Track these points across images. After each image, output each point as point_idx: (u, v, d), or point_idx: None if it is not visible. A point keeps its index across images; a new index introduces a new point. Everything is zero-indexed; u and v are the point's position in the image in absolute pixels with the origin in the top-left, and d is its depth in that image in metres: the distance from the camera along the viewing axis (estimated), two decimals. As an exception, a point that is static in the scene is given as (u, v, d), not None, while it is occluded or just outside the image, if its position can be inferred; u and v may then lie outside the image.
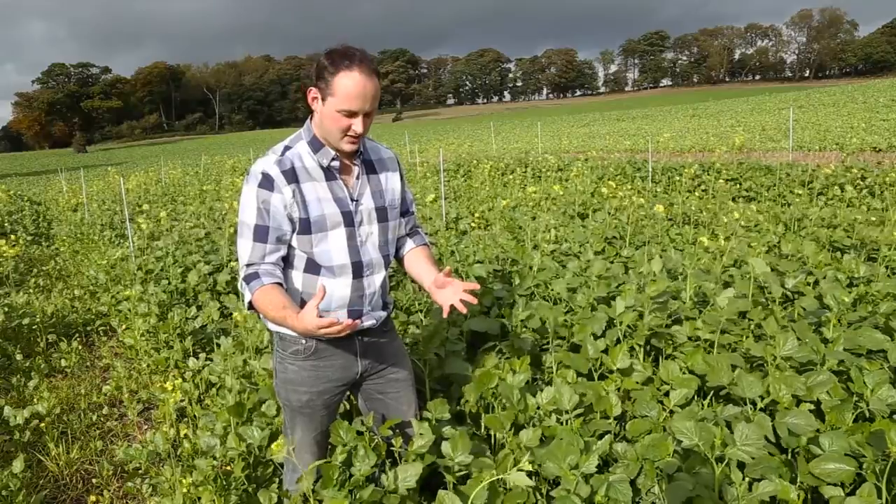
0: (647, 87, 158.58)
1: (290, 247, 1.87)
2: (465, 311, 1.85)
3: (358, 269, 1.92)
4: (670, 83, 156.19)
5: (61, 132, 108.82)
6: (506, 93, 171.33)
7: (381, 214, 1.97)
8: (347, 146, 1.81)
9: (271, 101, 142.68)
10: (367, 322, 1.96)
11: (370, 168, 1.97)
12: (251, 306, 1.80)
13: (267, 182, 1.78)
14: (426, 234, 2.24)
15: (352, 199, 1.89)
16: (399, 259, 2.18)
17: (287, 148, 1.86)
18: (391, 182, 2.02)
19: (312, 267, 1.89)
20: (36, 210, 14.39)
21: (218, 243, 5.91)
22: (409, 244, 2.16)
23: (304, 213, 1.81)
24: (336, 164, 1.86)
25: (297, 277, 1.91)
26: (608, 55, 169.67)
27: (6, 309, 5.06)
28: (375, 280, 1.98)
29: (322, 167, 1.85)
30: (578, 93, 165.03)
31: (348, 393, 2.21)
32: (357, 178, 1.91)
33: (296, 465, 2.06)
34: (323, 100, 1.76)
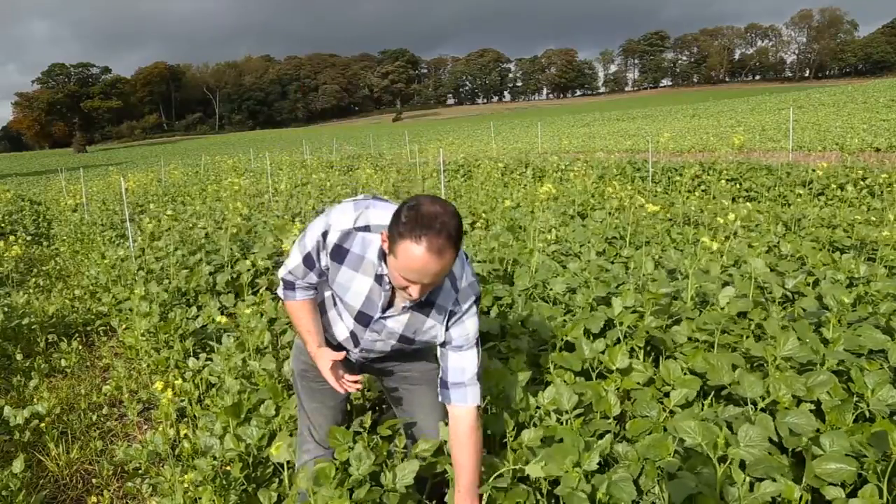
0: (647, 87, 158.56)
1: None
2: None
3: (356, 342, 1.99)
4: (670, 83, 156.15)
5: (61, 132, 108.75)
6: (506, 93, 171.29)
7: (404, 340, 1.90)
8: (404, 299, 1.72)
9: (271, 102, 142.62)
10: (353, 357, 2.05)
11: (425, 307, 1.81)
12: (282, 303, 2.00)
13: (324, 239, 1.77)
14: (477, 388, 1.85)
15: (382, 312, 1.81)
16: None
17: (366, 228, 1.73)
18: (434, 329, 1.84)
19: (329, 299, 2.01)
20: (36, 210, 14.40)
21: (218, 243, 5.91)
22: (450, 400, 1.85)
23: (330, 283, 1.86)
24: (389, 286, 1.75)
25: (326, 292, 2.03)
26: (608, 55, 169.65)
27: (6, 309, 5.06)
28: (372, 356, 2.04)
29: (377, 273, 1.75)
30: (578, 93, 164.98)
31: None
32: (403, 307, 1.79)
33: (304, 441, 2.20)
34: (389, 251, 1.60)
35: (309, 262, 1.84)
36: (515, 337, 2.93)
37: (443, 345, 1.86)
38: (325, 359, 1.87)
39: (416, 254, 1.51)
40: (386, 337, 1.90)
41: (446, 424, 1.92)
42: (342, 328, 1.98)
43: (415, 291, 1.61)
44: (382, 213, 1.72)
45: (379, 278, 1.76)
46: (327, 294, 1.98)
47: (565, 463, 1.84)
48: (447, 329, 1.82)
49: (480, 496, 1.80)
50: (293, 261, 1.88)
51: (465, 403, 1.82)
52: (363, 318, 1.87)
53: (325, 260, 1.81)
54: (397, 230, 1.54)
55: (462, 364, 1.83)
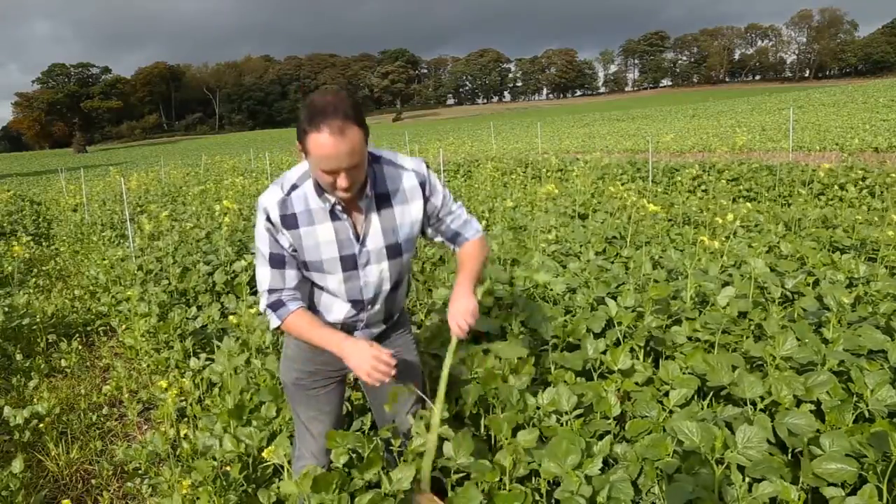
0: (647, 87, 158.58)
1: None
2: (460, 335, 1.84)
3: (357, 305, 1.95)
4: (670, 83, 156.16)
5: (61, 132, 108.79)
6: (506, 93, 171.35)
7: (393, 251, 1.90)
8: (342, 194, 1.73)
9: (271, 102, 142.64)
10: (359, 335, 1.99)
11: (383, 201, 1.85)
12: (278, 328, 1.87)
13: (269, 220, 1.80)
14: (474, 221, 2.07)
15: (357, 239, 1.84)
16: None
17: (294, 187, 1.81)
18: (409, 215, 1.90)
19: (315, 285, 1.95)
20: (36, 210, 14.39)
21: (218, 243, 5.91)
22: (456, 247, 2.05)
23: (302, 257, 1.84)
24: (340, 207, 1.80)
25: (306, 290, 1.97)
26: (608, 55, 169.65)
27: (6, 309, 5.06)
28: (377, 307, 1.99)
29: (326, 209, 1.81)
30: (578, 93, 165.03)
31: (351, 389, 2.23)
32: (365, 216, 1.84)
33: (299, 450, 2.15)
34: (306, 155, 1.69)
35: (276, 260, 1.83)
36: (515, 337, 2.93)
37: (432, 224, 1.98)
38: (359, 348, 1.76)
39: (322, 141, 1.60)
40: (377, 261, 1.88)
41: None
42: (339, 304, 1.94)
43: (342, 180, 1.67)
44: (297, 167, 1.84)
45: (332, 214, 1.81)
46: (309, 289, 1.96)
47: (564, 466, 1.84)
48: (426, 201, 1.92)
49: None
50: (263, 276, 1.86)
51: (474, 236, 2.03)
52: (349, 262, 1.85)
53: (286, 241, 1.81)
54: (301, 131, 1.64)
55: (453, 215, 2.00)
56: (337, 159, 1.62)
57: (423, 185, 1.91)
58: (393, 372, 1.74)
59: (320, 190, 1.78)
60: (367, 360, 1.72)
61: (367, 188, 1.80)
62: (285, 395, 2.19)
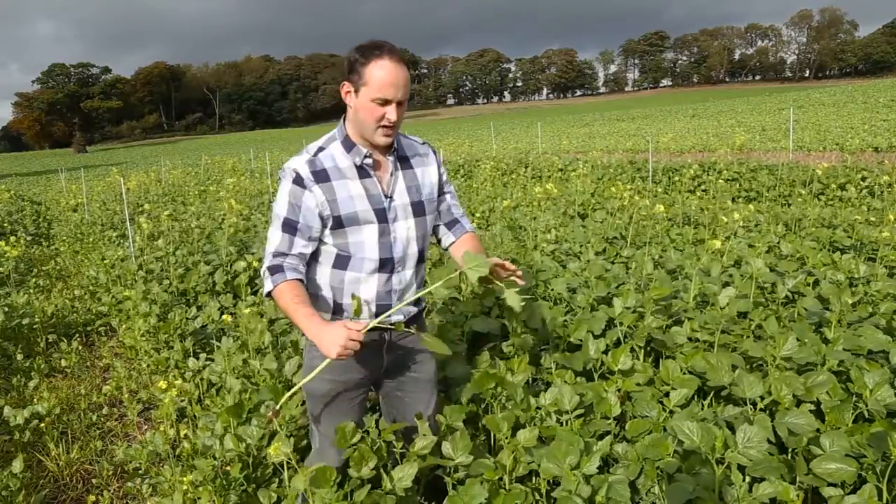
0: (647, 87, 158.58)
1: (320, 241, 1.91)
2: (519, 280, 1.88)
3: (388, 265, 1.93)
4: (670, 83, 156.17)
5: (61, 132, 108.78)
6: (506, 93, 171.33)
7: (418, 208, 1.97)
8: (382, 138, 1.82)
9: (271, 102, 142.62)
10: (395, 317, 1.94)
11: (405, 163, 1.97)
12: (269, 295, 1.85)
13: (299, 180, 1.83)
14: (470, 221, 2.19)
15: (385, 196, 1.90)
16: (447, 250, 2.17)
17: (321, 149, 1.88)
18: (428, 176, 2.02)
19: (341, 262, 1.92)
20: (36, 210, 14.40)
21: (218, 243, 5.91)
22: (452, 236, 2.12)
23: (336, 212, 1.85)
24: (369, 161, 1.88)
25: (324, 273, 1.94)
26: (608, 55, 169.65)
27: (6, 309, 5.06)
28: (406, 275, 1.98)
29: (356, 166, 1.87)
30: (578, 93, 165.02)
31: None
32: (391, 174, 1.92)
33: (321, 456, 2.07)
34: (356, 91, 1.78)
35: (289, 225, 1.84)
36: (516, 337, 2.93)
37: (441, 193, 2.09)
38: (332, 327, 1.68)
39: (385, 67, 1.72)
40: (404, 216, 1.93)
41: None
42: (370, 275, 1.90)
43: (392, 113, 1.77)
44: (321, 137, 1.94)
45: (360, 171, 1.88)
46: (334, 259, 1.91)
47: (564, 466, 1.84)
48: (439, 171, 2.06)
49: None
50: (274, 237, 1.86)
51: (471, 228, 2.16)
52: (380, 215, 1.89)
53: (313, 201, 1.82)
54: (359, 65, 1.75)
55: (456, 199, 2.16)
56: (395, 87, 1.74)
57: (434, 152, 2.09)
58: (357, 347, 1.67)
59: (349, 145, 1.87)
60: (340, 336, 1.65)
61: (394, 145, 1.91)
62: (309, 408, 2.09)
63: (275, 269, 1.83)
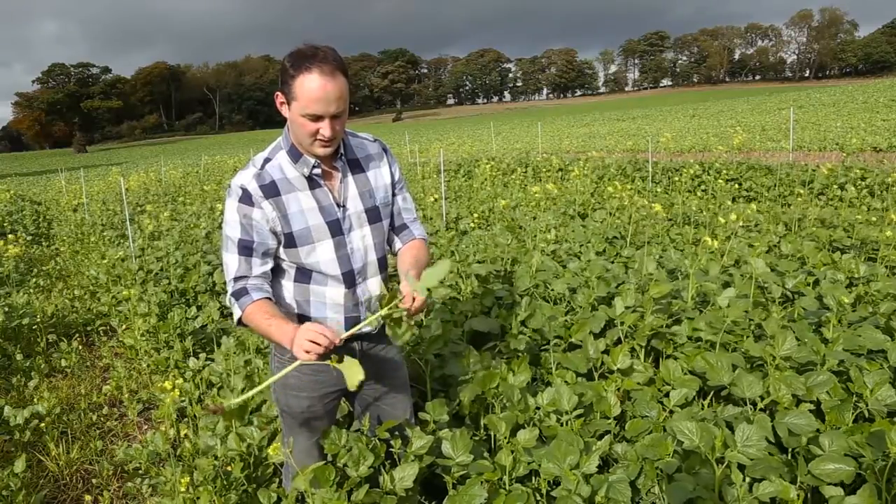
0: (647, 87, 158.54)
1: (277, 257, 1.84)
2: (410, 307, 1.70)
3: (349, 279, 1.88)
4: (670, 83, 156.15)
5: (61, 132, 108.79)
6: (506, 93, 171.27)
7: (372, 215, 1.90)
8: (320, 150, 1.72)
9: (271, 102, 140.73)
10: (366, 328, 1.86)
11: (356, 167, 1.88)
12: (240, 322, 1.77)
13: (246, 197, 1.74)
14: (422, 226, 2.10)
15: (338, 206, 1.83)
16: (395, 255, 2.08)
17: (267, 160, 1.79)
18: (381, 178, 1.93)
19: (302, 276, 1.87)
20: (36, 210, 14.39)
21: (218, 243, 5.91)
22: (399, 242, 2.03)
23: (287, 228, 1.78)
24: (318, 171, 1.79)
25: (288, 287, 1.89)
26: (608, 55, 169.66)
27: (6, 309, 5.06)
28: (370, 285, 1.93)
29: (304, 176, 1.79)
30: (578, 93, 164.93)
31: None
32: (341, 181, 1.84)
33: (295, 469, 2.01)
34: (288, 104, 1.69)
35: (244, 246, 1.75)
36: (515, 337, 2.93)
37: (394, 193, 1.99)
38: (307, 330, 1.60)
39: (313, 84, 1.60)
40: (359, 225, 1.86)
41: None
42: (333, 287, 1.87)
43: (326, 128, 1.66)
44: (268, 146, 1.84)
45: (310, 181, 1.80)
46: (294, 274, 1.87)
47: (563, 466, 1.85)
48: (391, 171, 1.97)
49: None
50: (230, 262, 1.78)
51: (421, 235, 2.05)
52: (334, 228, 1.82)
53: (262, 218, 1.74)
54: (288, 76, 1.64)
55: (409, 203, 2.06)
56: (325, 102, 1.62)
57: (385, 150, 1.99)
58: (326, 343, 1.59)
59: (296, 155, 1.78)
60: (306, 334, 1.59)
61: (341, 150, 1.82)
62: (283, 425, 2.08)
63: (239, 294, 1.76)
